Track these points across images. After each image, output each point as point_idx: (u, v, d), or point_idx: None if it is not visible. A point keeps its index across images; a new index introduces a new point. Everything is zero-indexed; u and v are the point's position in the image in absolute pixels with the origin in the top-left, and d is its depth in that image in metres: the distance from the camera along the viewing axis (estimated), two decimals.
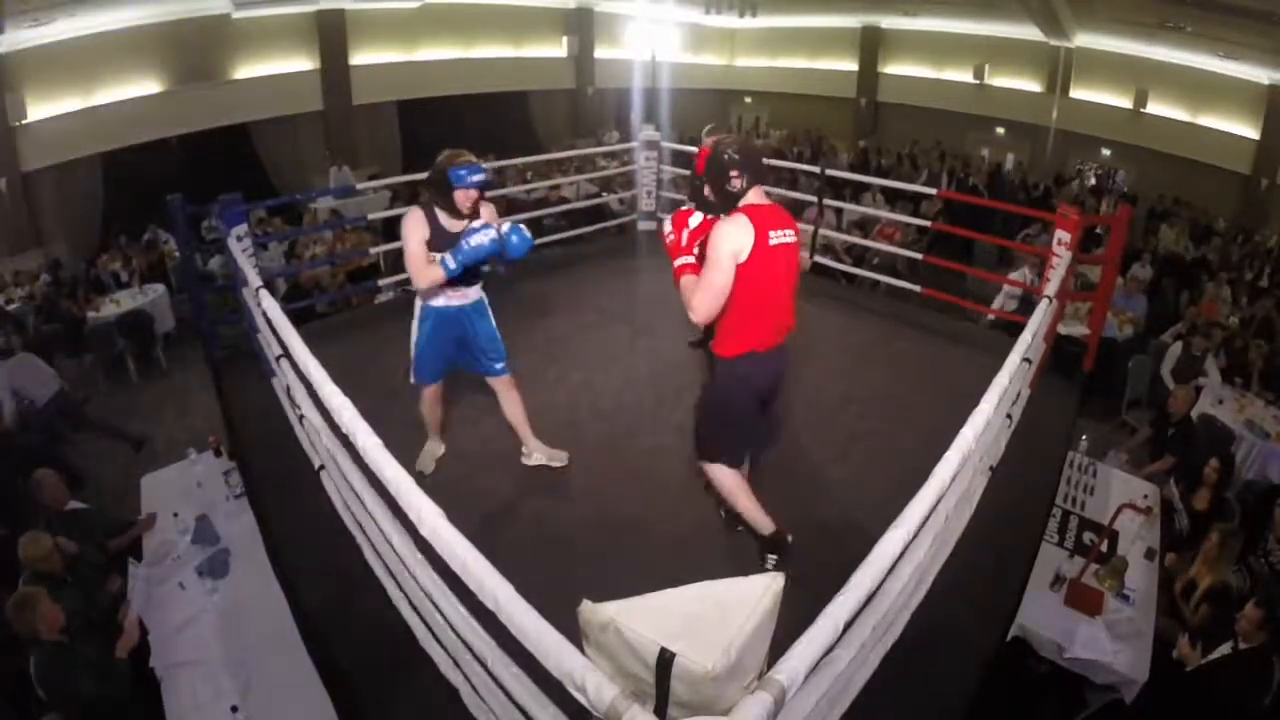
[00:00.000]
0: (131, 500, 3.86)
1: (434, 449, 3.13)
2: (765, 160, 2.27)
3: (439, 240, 2.61)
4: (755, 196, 2.22)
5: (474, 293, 2.80)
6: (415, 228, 2.59)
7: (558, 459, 3.10)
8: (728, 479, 2.46)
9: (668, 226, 2.41)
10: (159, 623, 2.97)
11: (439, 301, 2.74)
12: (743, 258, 2.14)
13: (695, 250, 2.36)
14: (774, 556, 2.48)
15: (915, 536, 1.59)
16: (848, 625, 1.34)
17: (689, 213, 2.41)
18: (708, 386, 2.43)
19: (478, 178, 2.56)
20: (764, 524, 2.47)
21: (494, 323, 2.89)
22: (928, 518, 1.66)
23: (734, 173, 2.18)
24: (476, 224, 2.55)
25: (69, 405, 5.26)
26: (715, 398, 2.43)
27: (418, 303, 2.80)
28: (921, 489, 1.64)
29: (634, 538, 2.73)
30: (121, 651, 2.80)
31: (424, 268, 2.57)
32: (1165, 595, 3.44)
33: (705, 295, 2.19)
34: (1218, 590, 3.32)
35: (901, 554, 1.54)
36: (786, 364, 2.44)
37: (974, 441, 1.86)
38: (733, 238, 2.14)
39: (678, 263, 2.34)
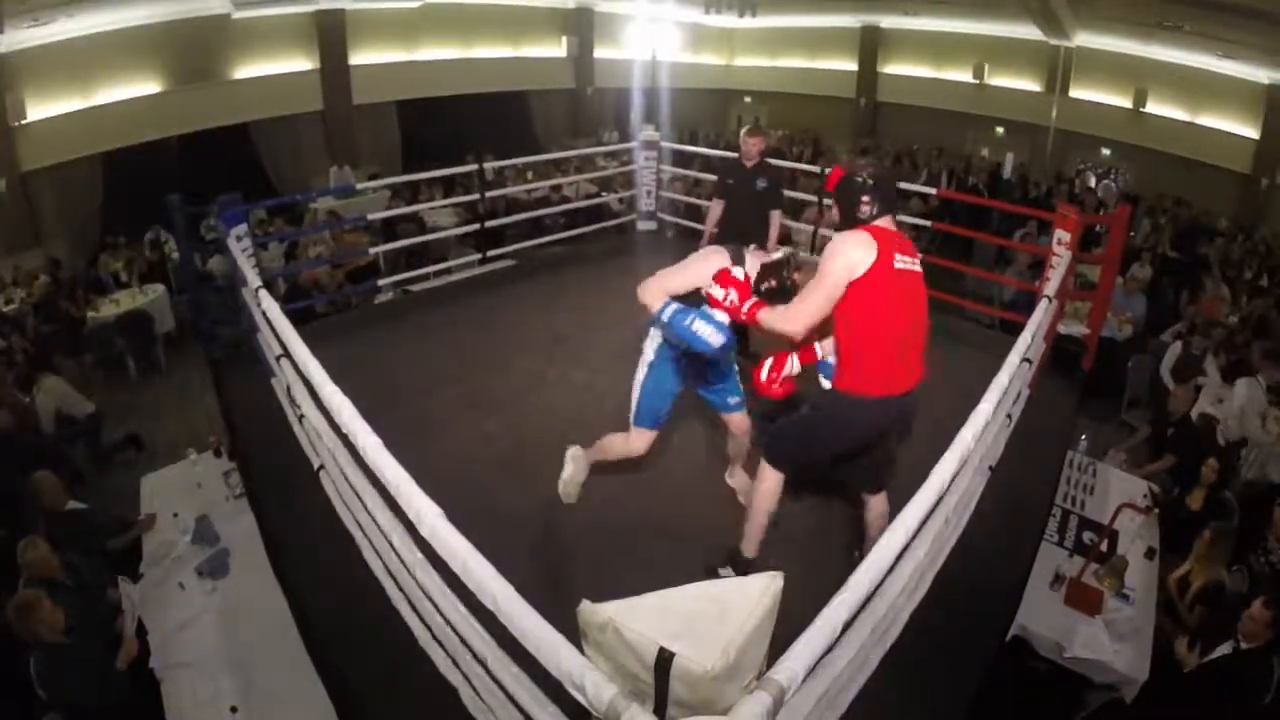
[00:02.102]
0: (131, 500, 3.85)
1: (580, 475, 2.82)
2: (898, 187, 2.16)
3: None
4: (883, 224, 2.09)
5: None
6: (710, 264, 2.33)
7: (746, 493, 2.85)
8: (771, 488, 2.33)
9: (719, 291, 2.22)
10: (159, 623, 2.97)
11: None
12: (858, 273, 1.99)
13: (762, 287, 2.28)
14: (728, 569, 2.44)
15: (915, 537, 1.59)
16: (846, 626, 1.34)
17: (726, 273, 2.25)
18: (814, 404, 2.30)
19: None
20: (752, 545, 2.41)
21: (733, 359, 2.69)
22: (927, 518, 1.66)
23: (865, 198, 2.06)
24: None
25: (95, 425, 5.35)
26: (810, 420, 2.28)
27: (659, 343, 2.49)
28: (920, 489, 1.64)
29: (634, 538, 2.73)
30: (122, 664, 2.80)
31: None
32: (1164, 594, 3.44)
33: (806, 305, 2.03)
34: (1211, 589, 3.32)
35: (901, 554, 1.54)
36: (906, 412, 2.20)
37: (973, 442, 1.86)
38: (849, 251, 2.00)
39: (745, 307, 2.18)
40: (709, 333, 2.20)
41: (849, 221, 2.11)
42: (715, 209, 4.08)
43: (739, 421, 2.73)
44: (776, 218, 3.86)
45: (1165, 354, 5.62)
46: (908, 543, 1.55)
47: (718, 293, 2.20)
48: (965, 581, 2.28)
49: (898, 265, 2.02)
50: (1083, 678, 3.05)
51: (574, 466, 2.78)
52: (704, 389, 2.67)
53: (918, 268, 2.10)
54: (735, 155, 4.10)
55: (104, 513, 3.76)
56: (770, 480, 2.32)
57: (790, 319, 2.07)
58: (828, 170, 2.16)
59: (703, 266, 2.33)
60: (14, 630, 2.64)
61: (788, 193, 6.47)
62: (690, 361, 2.52)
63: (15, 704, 2.70)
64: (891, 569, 1.54)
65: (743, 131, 3.99)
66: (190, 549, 3.31)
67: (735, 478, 2.99)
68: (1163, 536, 3.68)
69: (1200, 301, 6.72)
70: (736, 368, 2.68)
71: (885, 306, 2.02)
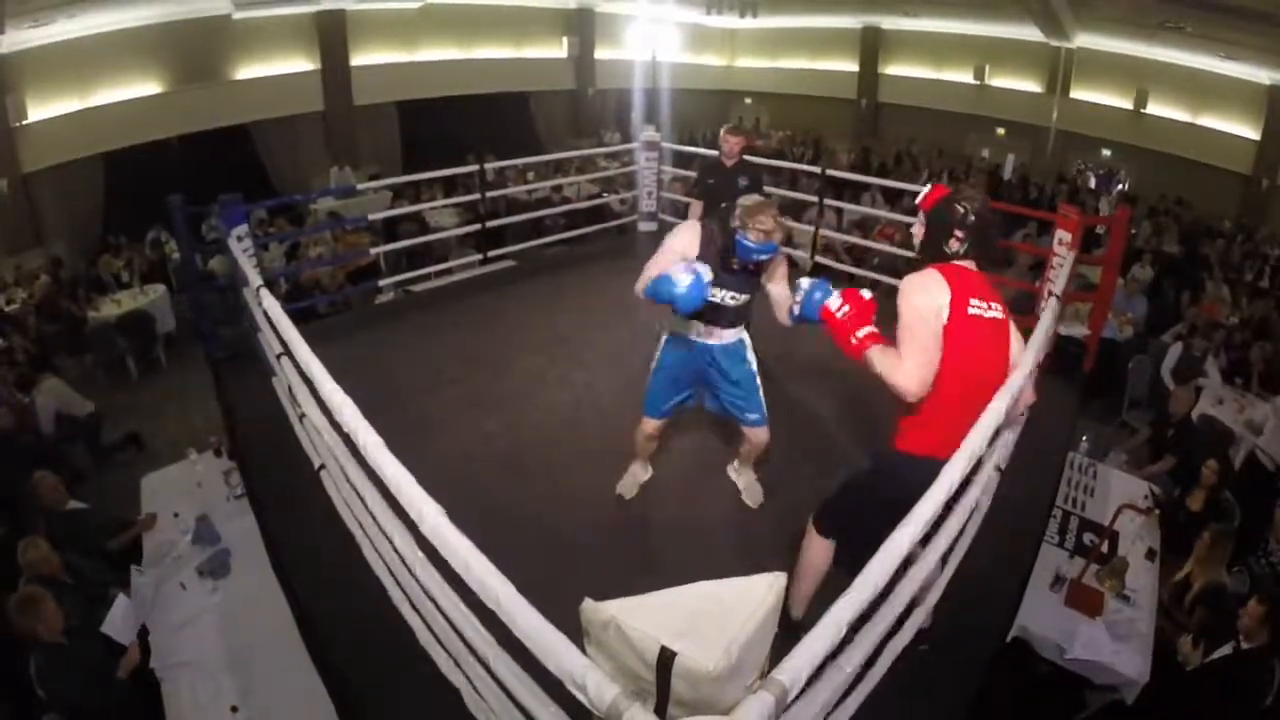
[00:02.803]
0: (131, 500, 3.85)
1: (639, 474, 2.97)
2: (996, 229, 1.87)
3: (706, 254, 2.37)
4: (964, 264, 1.86)
5: (729, 334, 2.56)
6: (684, 235, 2.40)
7: (752, 497, 2.95)
8: (818, 557, 2.14)
9: (835, 302, 1.90)
10: (160, 623, 2.97)
11: (690, 334, 2.56)
12: (944, 317, 1.75)
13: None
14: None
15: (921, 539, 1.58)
16: (852, 627, 1.34)
17: (853, 292, 1.95)
18: (871, 463, 2.11)
19: (759, 258, 2.29)
20: (799, 608, 2.23)
21: (754, 370, 2.63)
22: (932, 521, 1.65)
23: (959, 234, 1.81)
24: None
25: (95, 424, 5.36)
26: (864, 485, 2.07)
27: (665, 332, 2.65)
28: (929, 491, 1.62)
29: (635, 537, 2.73)
30: (124, 672, 2.79)
31: (652, 270, 2.27)
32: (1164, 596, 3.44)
33: (918, 356, 1.72)
34: (1211, 591, 3.32)
35: (907, 557, 1.53)
36: None
37: (982, 444, 1.82)
38: (928, 291, 1.75)
39: (860, 333, 1.83)
40: (681, 278, 2.06)
41: (930, 252, 1.87)
42: (695, 208, 4.06)
43: (755, 434, 2.73)
44: None
45: (1166, 355, 5.62)
46: (916, 540, 1.53)
47: (834, 303, 1.90)
48: (965, 581, 2.28)
49: (971, 311, 1.77)
50: (1083, 679, 3.05)
51: (633, 467, 2.98)
52: (726, 398, 2.66)
53: (997, 313, 1.83)
54: (716, 154, 4.07)
55: (104, 512, 3.76)
56: (815, 547, 2.14)
57: (902, 374, 1.73)
58: (927, 186, 1.86)
59: (674, 240, 2.41)
60: (15, 626, 2.64)
61: (789, 194, 6.52)
62: (688, 364, 2.58)
63: (15, 704, 2.70)
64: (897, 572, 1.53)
65: (723, 130, 3.92)
66: (191, 549, 3.31)
67: (741, 475, 3.01)
68: (1163, 538, 3.68)
69: (1201, 303, 6.72)
70: (759, 383, 2.65)
71: (962, 359, 1.76)
